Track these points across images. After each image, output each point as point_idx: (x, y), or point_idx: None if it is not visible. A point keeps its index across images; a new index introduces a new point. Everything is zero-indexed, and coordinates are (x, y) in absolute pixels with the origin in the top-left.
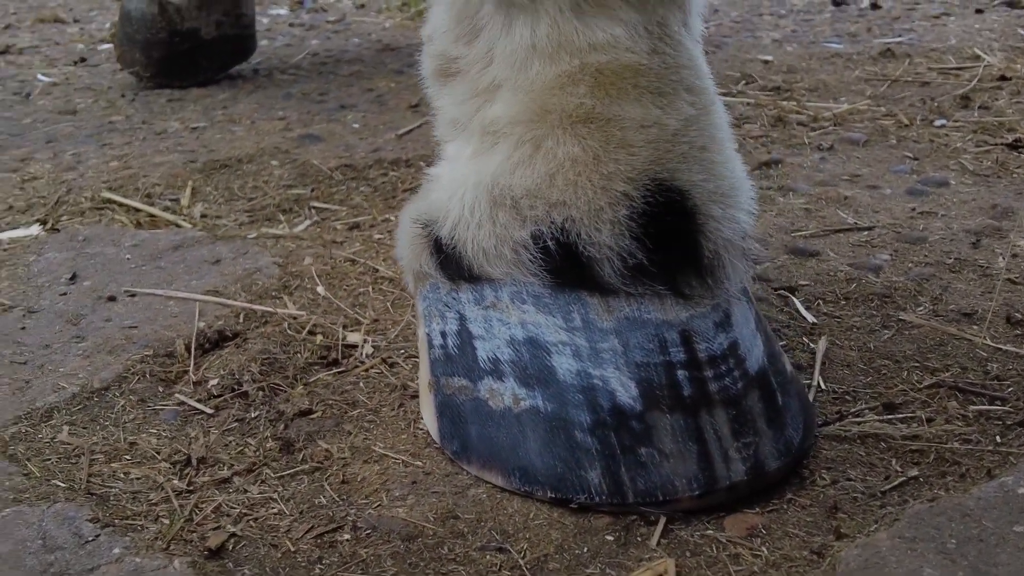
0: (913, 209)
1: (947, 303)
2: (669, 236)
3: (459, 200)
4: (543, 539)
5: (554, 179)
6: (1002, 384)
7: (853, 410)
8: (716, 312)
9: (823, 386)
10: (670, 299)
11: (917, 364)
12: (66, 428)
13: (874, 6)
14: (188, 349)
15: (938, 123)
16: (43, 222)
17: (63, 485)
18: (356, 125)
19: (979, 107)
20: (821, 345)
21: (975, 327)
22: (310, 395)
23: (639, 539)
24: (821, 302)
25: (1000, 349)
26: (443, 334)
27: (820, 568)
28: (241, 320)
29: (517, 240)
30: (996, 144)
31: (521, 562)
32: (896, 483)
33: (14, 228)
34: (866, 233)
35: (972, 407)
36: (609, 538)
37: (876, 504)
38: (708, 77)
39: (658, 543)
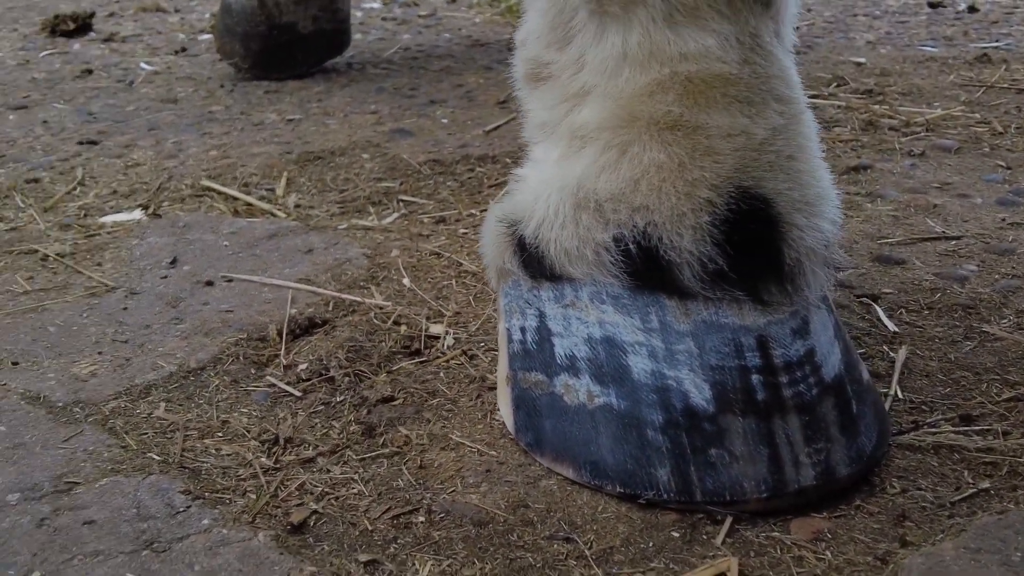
0: (1003, 220)
1: None
2: (751, 243)
3: (544, 201)
4: (610, 532)
5: (638, 184)
6: None
7: (929, 420)
8: (794, 319)
9: (900, 395)
10: (748, 305)
11: (997, 377)
12: (163, 405)
13: (971, 9)
14: (280, 334)
15: None
16: (145, 207)
17: (158, 458)
18: (445, 120)
19: None
20: (901, 354)
21: None
22: (393, 383)
23: (704, 537)
24: (904, 311)
25: None
26: (523, 330)
27: (883, 574)
28: (330, 308)
29: (599, 242)
30: None
31: (587, 552)
32: (966, 494)
33: (118, 212)
34: (954, 242)
35: None
36: (675, 534)
37: (944, 514)
38: (798, 87)
39: (723, 542)
